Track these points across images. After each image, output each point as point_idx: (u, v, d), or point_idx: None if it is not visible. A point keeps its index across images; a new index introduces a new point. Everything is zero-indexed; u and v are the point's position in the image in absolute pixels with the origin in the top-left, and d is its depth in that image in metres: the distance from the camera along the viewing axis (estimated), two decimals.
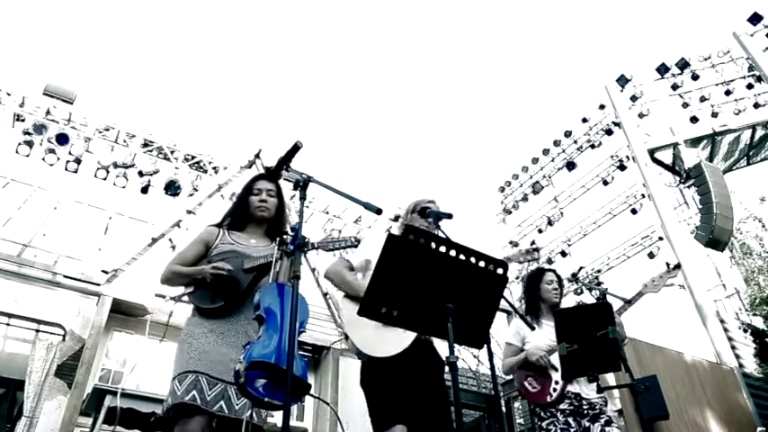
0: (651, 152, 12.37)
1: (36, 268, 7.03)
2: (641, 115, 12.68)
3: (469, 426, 9.56)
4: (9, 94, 9.11)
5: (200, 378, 2.08)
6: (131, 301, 7.44)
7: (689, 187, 12.18)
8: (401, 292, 1.68)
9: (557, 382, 2.97)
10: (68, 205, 8.93)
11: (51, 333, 6.54)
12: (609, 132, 13.09)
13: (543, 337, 3.09)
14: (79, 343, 6.66)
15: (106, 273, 7.40)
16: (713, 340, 9.51)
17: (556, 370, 2.96)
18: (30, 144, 9.06)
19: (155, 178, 9.92)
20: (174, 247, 8.11)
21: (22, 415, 5.94)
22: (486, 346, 2.03)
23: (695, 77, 12.37)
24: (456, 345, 1.68)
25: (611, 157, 13.13)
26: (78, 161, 9.46)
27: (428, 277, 1.69)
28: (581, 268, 13.06)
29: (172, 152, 10.29)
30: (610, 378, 4.74)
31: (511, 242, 14.78)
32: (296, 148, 2.08)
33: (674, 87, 12.48)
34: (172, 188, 9.88)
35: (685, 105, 12.39)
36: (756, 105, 12.05)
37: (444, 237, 2.26)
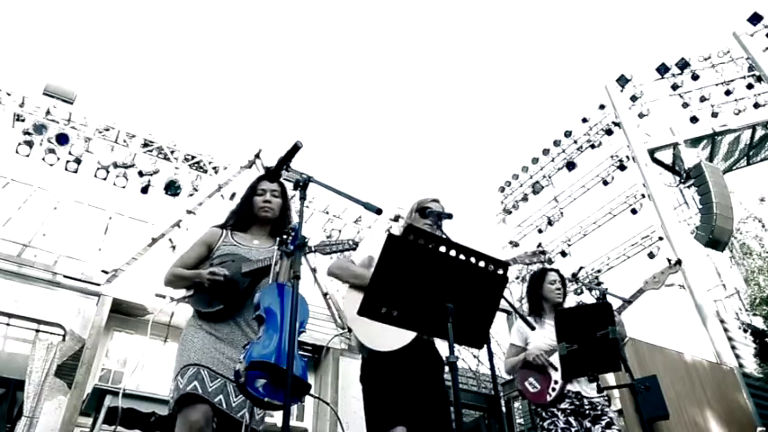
0: (651, 152, 12.37)
1: (36, 268, 7.03)
2: (641, 115, 12.68)
3: (469, 426, 9.56)
4: (9, 94, 9.11)
5: (202, 370, 2.09)
6: (131, 301, 7.44)
7: (689, 187, 12.18)
8: (401, 292, 1.68)
9: (556, 382, 2.97)
10: (68, 205, 8.93)
11: (51, 333, 6.54)
12: (609, 132, 13.09)
13: (545, 337, 3.09)
14: (79, 343, 6.66)
15: (106, 273, 7.40)
16: (713, 340, 9.51)
17: (555, 369, 2.96)
18: (30, 144, 9.06)
19: (155, 178, 9.92)
20: (174, 248, 8.12)
21: (22, 415, 5.94)
22: (486, 346, 2.03)
23: (695, 77, 12.37)
24: (456, 345, 1.68)
25: (611, 157, 13.13)
26: (78, 161, 9.46)
27: (428, 277, 1.69)
28: (581, 268, 13.06)
29: (172, 152, 10.29)
30: (610, 378, 4.74)
31: (511, 242, 14.80)
32: (296, 148, 2.08)
33: (674, 87, 12.48)
34: (172, 188, 9.88)
35: (685, 105, 12.39)
36: (756, 105, 12.05)
37: (444, 237, 2.27)
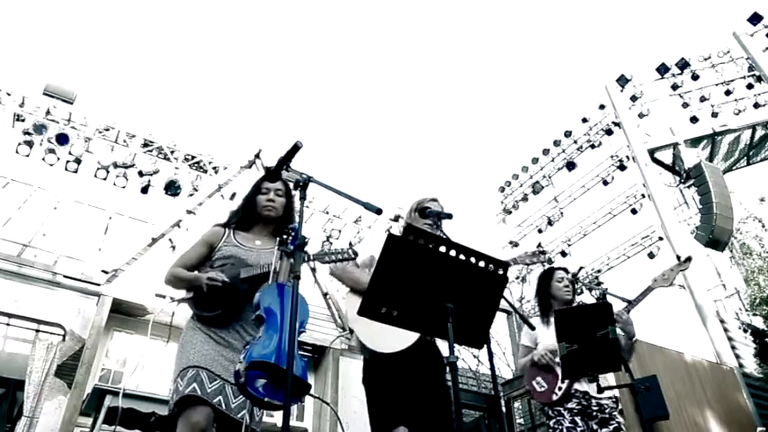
0: (651, 152, 12.37)
1: (36, 268, 7.03)
2: (641, 115, 12.68)
3: (469, 426, 9.56)
4: (9, 94, 9.11)
5: (201, 372, 2.09)
6: (131, 301, 7.44)
7: (689, 187, 12.18)
8: (401, 293, 1.68)
9: (563, 381, 2.97)
10: (68, 205, 8.93)
11: (51, 333, 6.54)
12: (609, 132, 13.09)
13: (553, 337, 3.08)
14: (79, 343, 6.66)
15: (106, 273, 7.40)
16: (713, 340, 9.51)
17: None
18: (30, 144, 9.05)
19: (155, 178, 9.91)
20: (173, 248, 8.12)
21: (22, 415, 5.94)
22: (486, 346, 2.02)
23: (695, 77, 12.37)
24: (456, 345, 1.68)
25: (611, 157, 13.12)
26: (78, 161, 9.45)
27: (428, 277, 1.69)
28: (581, 268, 13.05)
29: (172, 152, 10.29)
30: (610, 378, 4.74)
31: (511, 242, 14.79)
32: (296, 148, 2.07)
33: (674, 87, 12.48)
34: (172, 188, 9.87)
35: (685, 105, 12.39)
36: (756, 105, 12.05)
37: (444, 237, 2.27)
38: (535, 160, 14.43)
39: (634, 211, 12.57)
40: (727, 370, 8.24)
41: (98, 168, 9.59)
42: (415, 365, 2.34)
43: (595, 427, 2.85)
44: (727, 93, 12.19)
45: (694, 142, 12.53)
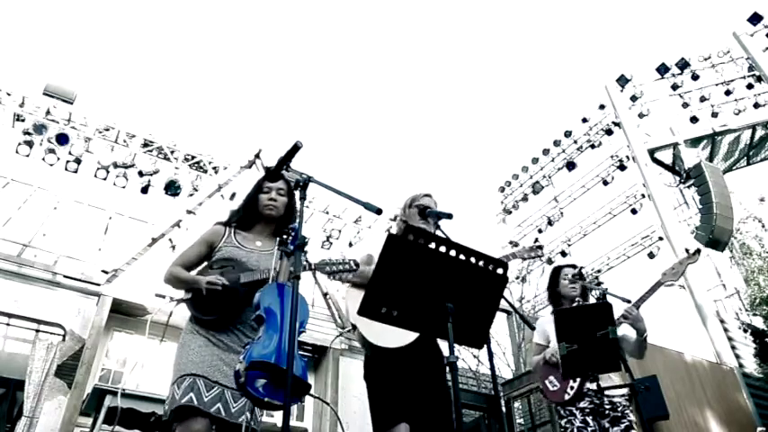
0: (651, 152, 12.37)
1: (36, 268, 7.03)
2: (641, 115, 12.68)
3: (469, 426, 9.56)
4: (9, 94, 9.11)
5: (198, 380, 2.08)
6: (131, 301, 7.45)
7: (689, 187, 12.18)
8: (401, 292, 1.68)
9: (574, 381, 2.96)
10: (68, 205, 8.93)
11: (51, 333, 6.54)
12: (609, 132, 13.09)
13: None
14: (79, 343, 6.66)
15: (106, 273, 7.40)
16: (713, 340, 9.51)
17: None
18: (30, 144, 9.05)
19: (155, 178, 9.91)
20: (173, 248, 8.12)
21: (22, 415, 5.94)
22: (486, 346, 2.02)
23: (695, 77, 12.37)
24: (456, 345, 1.68)
25: (611, 157, 13.13)
26: (78, 161, 9.45)
27: (428, 277, 1.69)
28: (581, 268, 13.04)
29: (172, 152, 10.29)
30: (614, 377, 4.73)
31: (511, 242, 14.78)
32: (296, 148, 2.07)
33: (674, 87, 12.48)
34: (172, 188, 9.87)
35: (685, 105, 12.39)
36: (756, 105, 12.05)
37: (444, 236, 2.26)
38: (535, 160, 14.43)
39: (634, 211, 12.57)
40: (727, 370, 8.24)
41: (98, 168, 9.59)
42: (416, 362, 2.34)
43: (607, 425, 2.85)
44: (727, 93, 12.19)
45: (694, 142, 12.53)
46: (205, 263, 2.44)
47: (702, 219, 10.70)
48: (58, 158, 9.25)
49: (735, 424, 6.97)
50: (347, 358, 8.52)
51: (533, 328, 2.94)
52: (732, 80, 12.23)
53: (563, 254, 13.74)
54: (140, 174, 9.83)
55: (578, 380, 2.95)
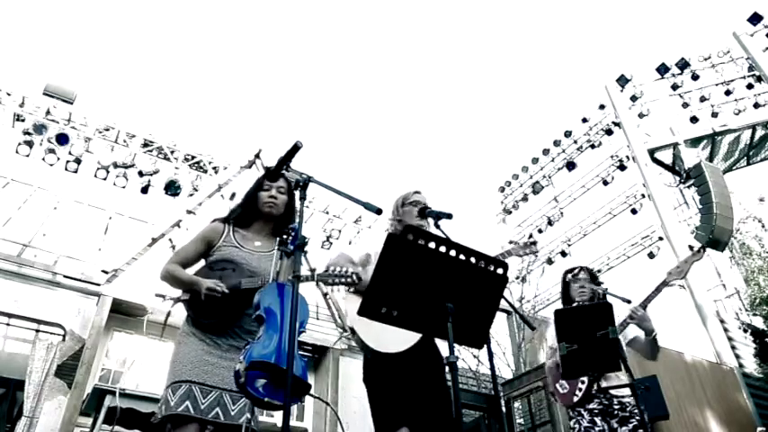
0: (651, 152, 12.37)
1: (36, 268, 7.04)
2: (641, 115, 12.68)
3: (469, 426, 9.55)
4: (9, 94, 9.11)
5: (194, 388, 2.05)
6: (131, 301, 7.45)
7: (689, 187, 12.18)
8: (401, 292, 1.68)
9: (582, 383, 2.97)
10: (68, 205, 8.94)
11: (51, 333, 6.54)
12: (609, 132, 13.09)
13: None
14: (79, 343, 6.66)
15: (106, 273, 7.41)
16: (713, 340, 9.51)
17: None
18: (30, 144, 9.06)
19: (155, 178, 9.92)
20: (173, 248, 8.12)
21: (22, 415, 5.95)
22: (486, 346, 2.02)
23: (695, 77, 12.37)
24: (456, 345, 1.68)
25: (611, 157, 13.12)
26: (78, 161, 9.46)
27: (428, 277, 1.69)
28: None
29: (172, 152, 10.29)
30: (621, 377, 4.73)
31: (511, 242, 14.76)
32: (296, 148, 2.07)
33: (674, 87, 12.48)
34: (172, 188, 9.87)
35: (685, 105, 12.39)
36: (756, 105, 12.05)
37: (444, 236, 2.26)
38: (535, 160, 14.43)
39: (634, 211, 12.57)
40: (727, 370, 8.24)
41: (98, 168, 9.60)
42: (415, 365, 2.34)
43: (615, 425, 2.86)
44: (727, 93, 12.19)
45: (694, 142, 12.53)
46: (203, 261, 2.40)
47: (702, 219, 10.69)
48: (58, 158, 9.26)
49: (735, 424, 6.97)
50: (347, 358, 8.52)
51: (533, 328, 2.95)
52: (732, 80, 12.23)
53: (563, 254, 13.74)
54: (140, 174, 9.83)
55: (586, 381, 2.96)
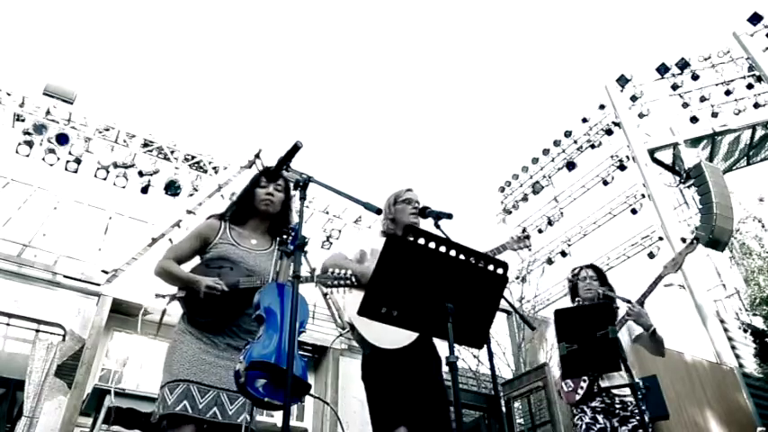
0: (651, 152, 12.37)
1: (36, 268, 7.03)
2: (641, 115, 12.68)
3: (469, 426, 9.55)
4: (9, 94, 9.11)
5: (191, 387, 2.04)
6: (131, 301, 7.44)
7: (689, 187, 12.19)
8: (401, 292, 1.68)
9: (584, 380, 2.98)
10: (68, 205, 8.94)
11: (51, 333, 6.54)
12: (609, 132, 13.09)
13: None
14: (79, 343, 6.66)
15: (106, 273, 7.40)
16: (713, 340, 9.52)
17: None
18: (30, 144, 9.05)
19: (155, 178, 9.91)
20: None
21: (22, 415, 5.94)
22: (486, 346, 2.02)
23: (695, 77, 12.37)
24: (456, 345, 1.68)
25: (611, 157, 13.13)
26: (78, 161, 9.45)
27: (428, 277, 1.69)
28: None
29: (172, 152, 10.29)
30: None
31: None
32: (296, 148, 2.07)
33: (674, 87, 12.48)
34: (172, 188, 9.87)
35: (685, 105, 12.39)
36: (756, 105, 12.05)
37: (444, 236, 2.26)
38: (535, 160, 14.43)
39: (634, 211, 12.57)
40: (727, 370, 8.24)
41: (98, 168, 9.59)
42: (413, 363, 2.34)
43: (616, 424, 2.87)
44: (727, 93, 12.19)
45: (694, 142, 12.54)
46: (197, 258, 2.38)
47: (702, 219, 10.70)
48: (58, 158, 9.25)
49: (735, 424, 6.97)
50: (347, 358, 8.52)
51: (533, 328, 2.95)
52: (732, 80, 12.23)
53: (563, 254, 13.74)
54: (140, 174, 9.83)
55: (587, 380, 2.96)
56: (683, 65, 12.42)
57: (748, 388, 7.83)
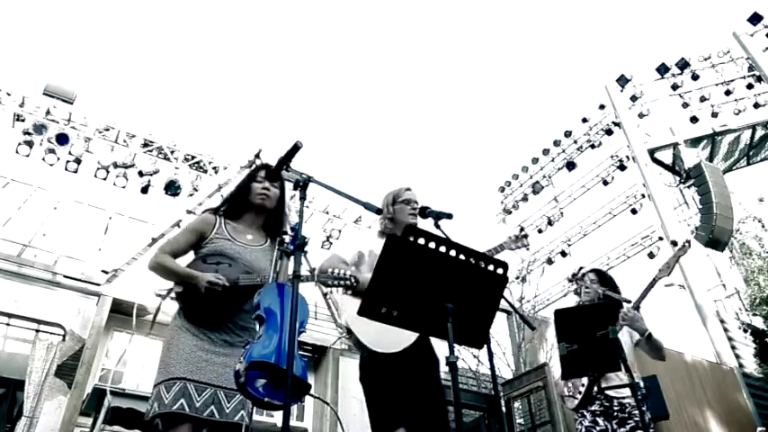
0: (651, 152, 12.37)
1: (36, 268, 7.03)
2: (641, 115, 12.68)
3: (469, 426, 9.55)
4: (9, 94, 9.11)
5: (188, 385, 2.02)
6: (131, 301, 7.44)
7: (689, 187, 12.19)
8: (401, 292, 1.68)
9: (583, 385, 3.00)
10: (68, 205, 8.94)
11: (51, 333, 6.54)
12: (609, 132, 13.09)
13: None
14: (79, 343, 6.66)
15: (106, 273, 7.41)
16: (713, 340, 9.52)
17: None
18: (30, 144, 9.06)
19: (155, 178, 9.91)
20: None
21: (22, 415, 5.95)
22: (486, 346, 2.02)
23: (695, 77, 12.37)
24: (456, 345, 1.68)
25: (611, 157, 13.13)
26: (78, 161, 9.45)
27: (428, 277, 1.69)
28: (581, 268, 13.03)
29: (172, 152, 10.29)
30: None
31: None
32: (296, 148, 2.06)
33: (674, 87, 12.48)
34: (172, 188, 9.87)
35: (685, 105, 12.39)
36: (756, 105, 12.06)
37: (444, 236, 2.26)
38: (535, 160, 14.43)
39: (634, 211, 12.57)
40: (727, 370, 8.25)
41: (98, 168, 9.59)
42: (411, 364, 2.34)
43: (615, 426, 2.87)
44: (727, 93, 12.20)
45: (694, 142, 12.54)
46: (192, 253, 2.35)
47: (702, 219, 10.71)
48: (58, 158, 9.25)
49: (735, 424, 6.97)
50: (347, 358, 8.52)
51: (533, 328, 2.95)
52: (732, 80, 12.24)
53: (563, 254, 13.74)
54: (140, 174, 9.83)
55: (585, 384, 2.97)
56: (683, 65, 12.42)
57: (748, 388, 7.83)
